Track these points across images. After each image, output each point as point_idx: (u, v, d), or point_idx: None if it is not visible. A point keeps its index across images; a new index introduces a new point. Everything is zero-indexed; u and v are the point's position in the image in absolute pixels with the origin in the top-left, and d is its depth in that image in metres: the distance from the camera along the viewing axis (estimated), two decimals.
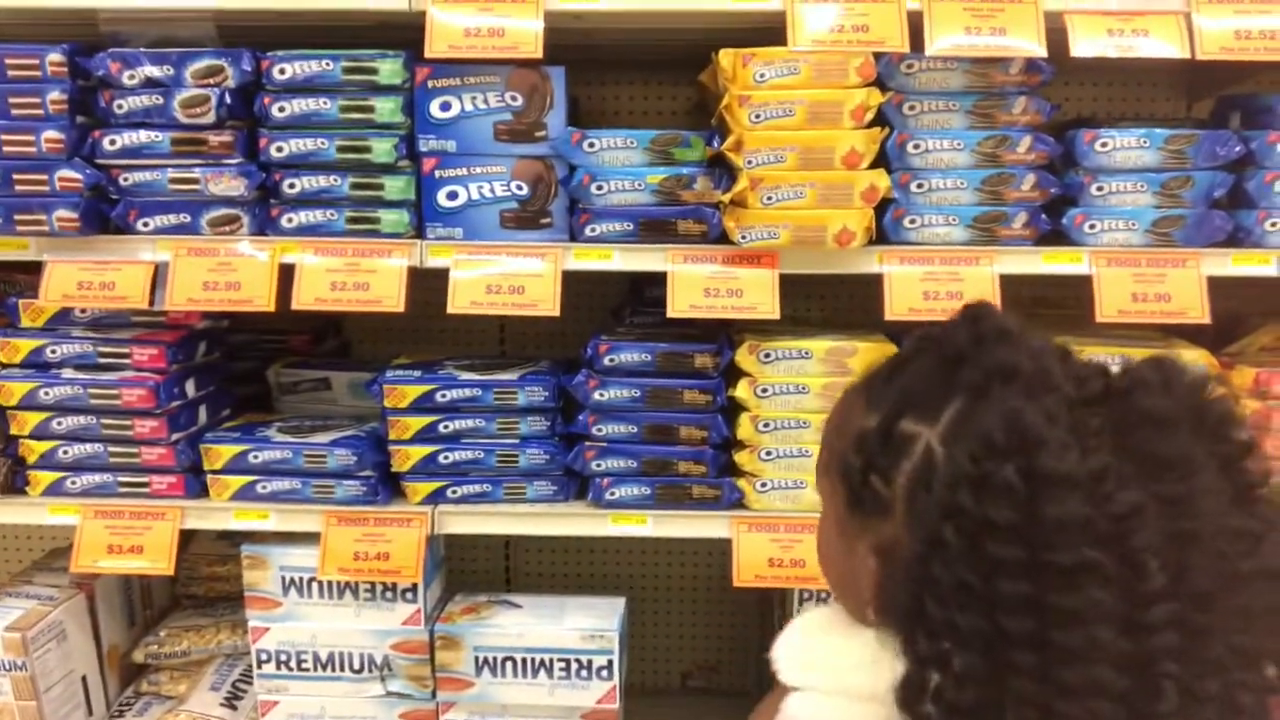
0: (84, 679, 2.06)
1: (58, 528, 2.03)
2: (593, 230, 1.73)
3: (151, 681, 2.15)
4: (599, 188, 1.71)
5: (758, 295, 1.69)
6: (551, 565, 2.45)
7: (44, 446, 1.89)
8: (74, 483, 1.90)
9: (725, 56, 1.60)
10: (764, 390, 1.77)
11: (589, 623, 1.89)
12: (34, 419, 1.87)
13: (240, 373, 2.16)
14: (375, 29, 1.72)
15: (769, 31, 1.62)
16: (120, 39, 1.74)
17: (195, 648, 2.14)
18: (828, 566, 0.98)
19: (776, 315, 1.68)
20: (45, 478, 1.91)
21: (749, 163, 1.62)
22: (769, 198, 1.63)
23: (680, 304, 1.70)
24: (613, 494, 1.84)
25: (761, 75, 1.60)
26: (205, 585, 2.29)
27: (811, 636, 0.98)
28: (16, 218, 1.74)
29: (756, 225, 1.65)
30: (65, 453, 1.89)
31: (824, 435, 0.97)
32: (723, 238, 1.73)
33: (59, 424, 1.87)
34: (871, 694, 0.81)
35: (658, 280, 1.73)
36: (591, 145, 1.71)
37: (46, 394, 1.85)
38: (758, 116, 1.61)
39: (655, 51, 1.98)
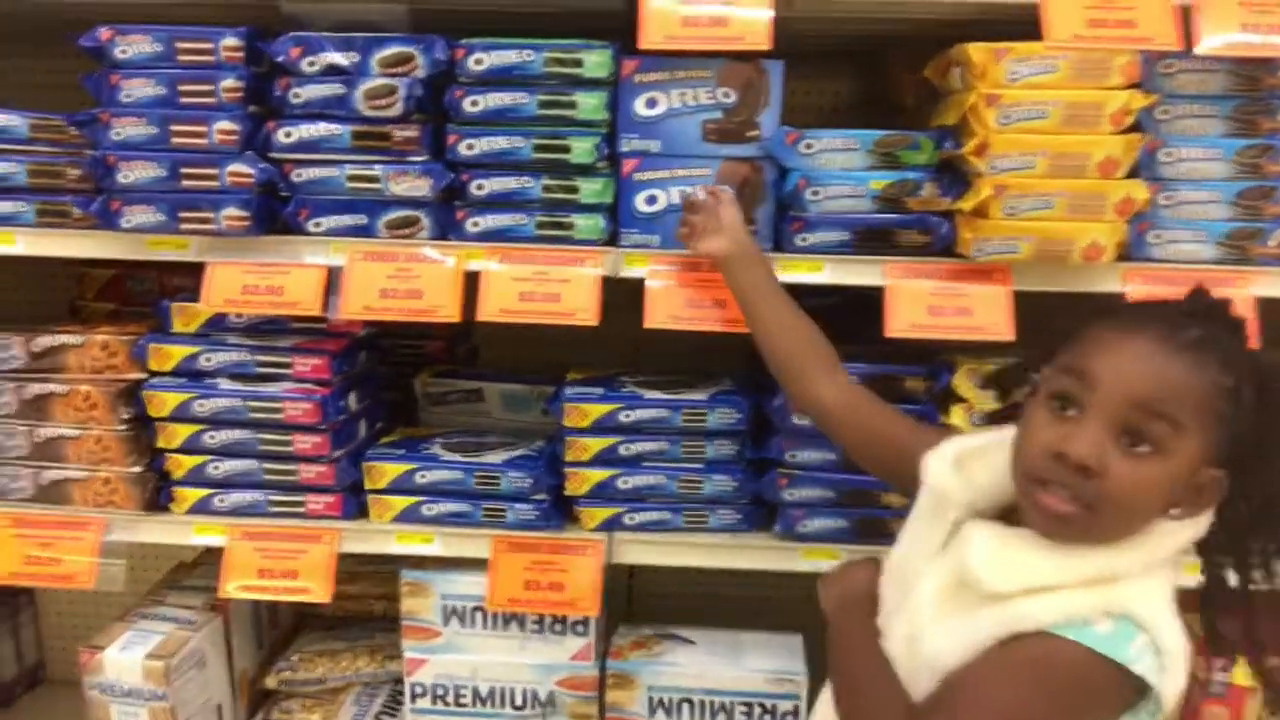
0: (219, 707, 1.94)
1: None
2: (804, 240, 1.59)
3: (283, 709, 2.02)
4: (815, 193, 1.57)
5: (989, 314, 1.55)
6: (669, 587, 2.28)
7: (193, 461, 1.77)
8: (222, 500, 1.78)
9: (977, 51, 1.45)
10: (982, 420, 1.63)
11: (774, 664, 1.75)
12: (185, 432, 1.75)
13: (385, 376, 2.03)
14: (578, 17, 1.59)
15: (984, 25, 1.49)
16: (301, 23, 1.62)
17: (331, 675, 2.01)
18: (1145, 512, 1.06)
19: (1011, 336, 1.54)
20: (191, 494, 1.78)
21: (993, 168, 1.48)
22: (1012, 208, 1.49)
23: (899, 323, 1.55)
24: (806, 526, 1.70)
25: (1015, 73, 1.46)
26: (332, 604, 2.15)
27: (1028, 552, 1.09)
28: (182, 215, 1.62)
29: (995, 237, 1.51)
30: (216, 468, 1.76)
31: (1180, 394, 1.02)
32: (946, 250, 1.59)
33: (211, 438, 1.75)
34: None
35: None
36: (809, 146, 1.57)
37: (200, 406, 1.73)
38: (1007, 118, 1.47)
39: (812, 43, 1.82)
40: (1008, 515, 1.17)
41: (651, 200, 1.62)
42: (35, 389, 1.76)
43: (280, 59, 1.59)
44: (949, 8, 1.52)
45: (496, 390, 1.99)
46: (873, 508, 1.69)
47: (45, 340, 1.76)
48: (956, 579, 1.13)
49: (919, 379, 1.65)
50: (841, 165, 1.58)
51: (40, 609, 2.45)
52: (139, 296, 2.07)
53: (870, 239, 1.59)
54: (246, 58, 1.60)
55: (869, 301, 1.61)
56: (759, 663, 1.76)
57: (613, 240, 1.64)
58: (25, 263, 1.71)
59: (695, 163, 1.61)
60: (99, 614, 2.20)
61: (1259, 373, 1.04)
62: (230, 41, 1.59)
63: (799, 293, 1.59)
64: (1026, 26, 1.45)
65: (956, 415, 1.64)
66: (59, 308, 2.10)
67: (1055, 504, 1.04)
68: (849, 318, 1.83)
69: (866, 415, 1.41)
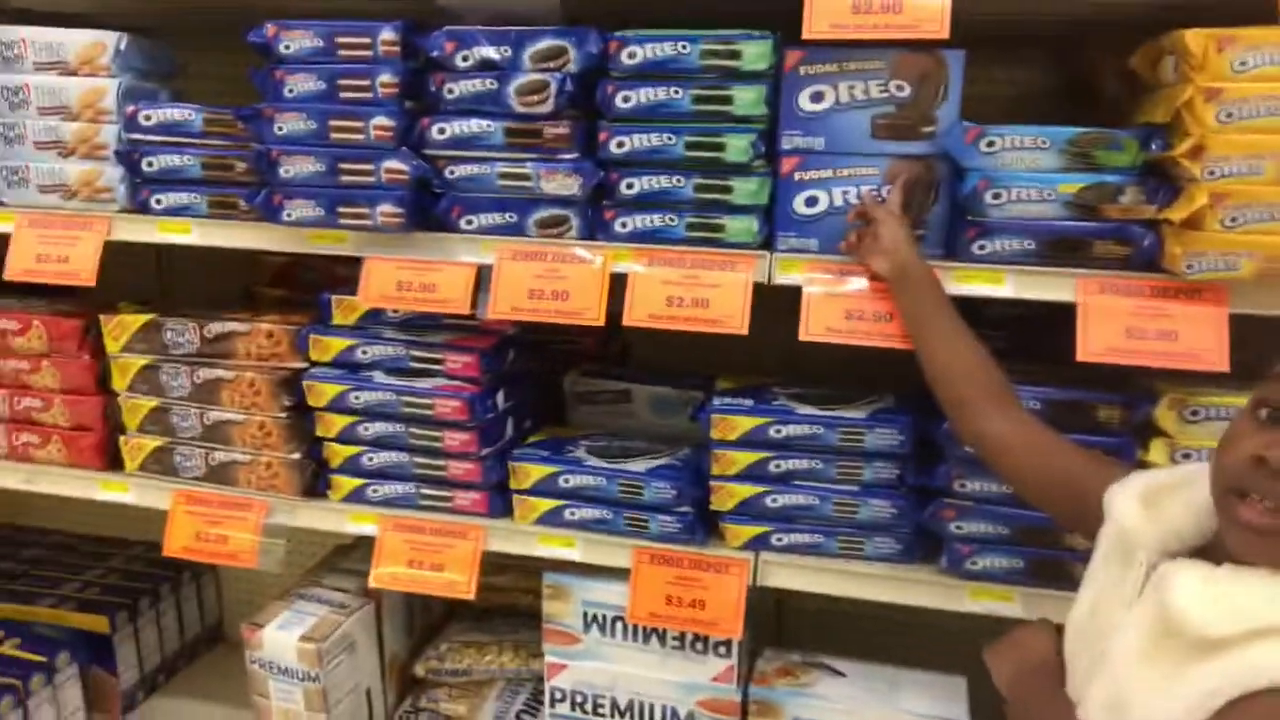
0: (368, 691, 1.98)
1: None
2: (982, 248, 1.43)
3: (430, 698, 2.04)
4: (996, 196, 1.41)
5: (1199, 339, 1.35)
6: (822, 608, 2.12)
7: (349, 451, 1.79)
8: (375, 490, 1.80)
9: (1196, 38, 1.25)
10: (1185, 457, 1.43)
11: (933, 708, 1.62)
12: (341, 422, 1.78)
13: (534, 374, 2.00)
14: (738, 6, 1.48)
15: (1202, 9, 1.28)
16: (455, 16, 1.59)
17: (476, 667, 2.02)
18: None
19: (1225, 366, 1.33)
20: (347, 483, 1.81)
21: (1210, 173, 1.28)
22: (1233, 219, 1.29)
23: (1094, 345, 1.38)
24: (975, 564, 1.54)
25: (1242, 63, 1.25)
26: (481, 595, 2.16)
27: (1244, 587, 0.95)
28: (340, 210, 1.63)
29: (1210, 252, 1.31)
30: (370, 459, 1.79)
31: None
32: (1149, 264, 1.39)
33: (366, 429, 1.77)
34: None
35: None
36: (991, 145, 1.41)
37: (356, 398, 1.75)
38: (1229, 115, 1.26)
39: (995, 28, 1.63)
40: (1204, 557, 1.02)
41: (812, 202, 1.50)
42: (206, 373, 1.83)
43: (435, 54, 1.56)
44: None
45: (645, 393, 1.92)
46: (1052, 548, 1.52)
47: (216, 327, 1.82)
48: (1162, 628, 0.98)
49: (1114, 408, 1.46)
50: (1028, 166, 1.41)
51: (221, 574, 2.59)
52: (309, 284, 2.12)
53: (1060, 249, 1.41)
54: (403, 52, 1.58)
55: (1056, 316, 1.44)
56: (917, 704, 1.63)
57: (767, 244, 1.54)
58: (204, 247, 1.77)
59: (862, 161, 1.48)
60: (276, 583, 2.30)
61: None
62: (387, 36, 1.57)
63: (977, 305, 1.45)
64: (1253, 11, 1.25)
65: (1157, 451, 1.44)
66: (236, 291, 2.19)
67: (1254, 516, 0.95)
68: (1033, 332, 1.67)
69: (1040, 451, 1.27)
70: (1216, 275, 1.32)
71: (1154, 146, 1.35)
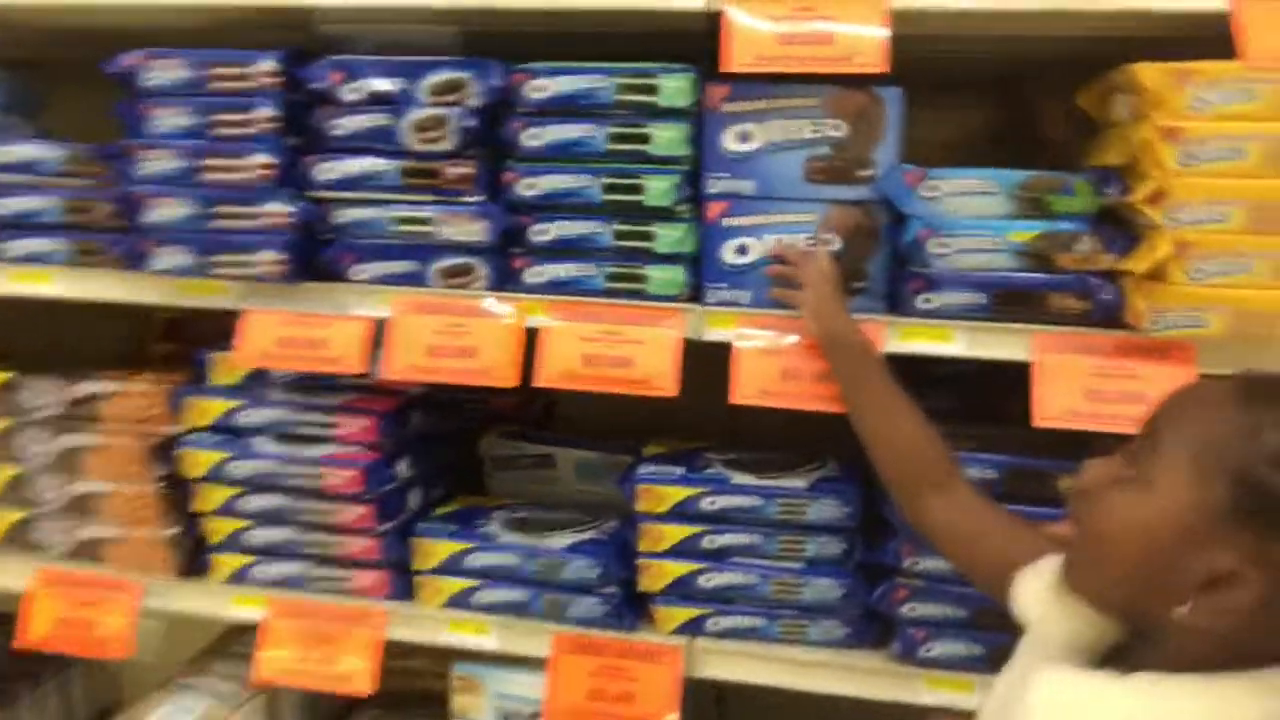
0: None
1: None
2: (928, 302, 1.30)
3: None
4: (942, 245, 1.28)
5: None
6: (767, 703, 1.96)
7: (230, 526, 1.60)
8: (261, 570, 1.61)
9: (1151, 74, 1.14)
10: None
11: None
12: (221, 494, 1.58)
13: (446, 436, 1.83)
14: (655, 38, 1.34)
15: (1152, 43, 1.19)
16: (341, 44, 1.42)
17: None
18: (1112, 553, 0.86)
19: None
20: (229, 562, 1.62)
21: (1174, 220, 1.16)
22: (1199, 270, 1.17)
23: (1051, 409, 1.25)
24: (930, 650, 1.40)
25: (1202, 101, 1.14)
26: (391, 680, 1.96)
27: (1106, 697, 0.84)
28: (215, 257, 1.44)
29: (1176, 307, 1.19)
30: (254, 536, 1.59)
31: (1186, 420, 0.84)
32: (1110, 319, 1.27)
33: (249, 502, 1.58)
34: None
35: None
36: (934, 189, 1.29)
37: (238, 467, 1.55)
38: (1192, 157, 1.15)
39: (937, 67, 1.51)
40: (1126, 659, 0.90)
41: (742, 250, 1.36)
42: (70, 439, 1.62)
43: (319, 85, 1.40)
44: (1111, 19, 1.21)
45: (570, 457, 1.76)
46: (1015, 633, 1.37)
47: (84, 387, 1.62)
48: None
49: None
50: (975, 212, 1.28)
51: (89, 664, 2.34)
52: (202, 338, 1.92)
53: (1013, 303, 1.28)
54: (284, 84, 1.41)
55: (1012, 373, 1.31)
56: None
57: (695, 297, 1.39)
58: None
59: (796, 206, 1.34)
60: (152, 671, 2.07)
61: None
62: (267, 66, 1.41)
63: (923, 365, 1.31)
64: (1206, 45, 1.14)
65: None
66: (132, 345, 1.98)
67: (1060, 528, 0.95)
68: (987, 390, 1.54)
69: (988, 534, 1.14)
70: (1184, 332, 1.20)
71: (1110, 191, 1.23)
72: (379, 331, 1.45)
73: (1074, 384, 1.25)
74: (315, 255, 1.46)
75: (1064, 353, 1.26)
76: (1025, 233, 1.27)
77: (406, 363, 1.41)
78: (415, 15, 1.37)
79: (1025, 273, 1.28)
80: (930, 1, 1.22)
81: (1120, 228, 1.25)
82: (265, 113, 1.41)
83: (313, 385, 1.58)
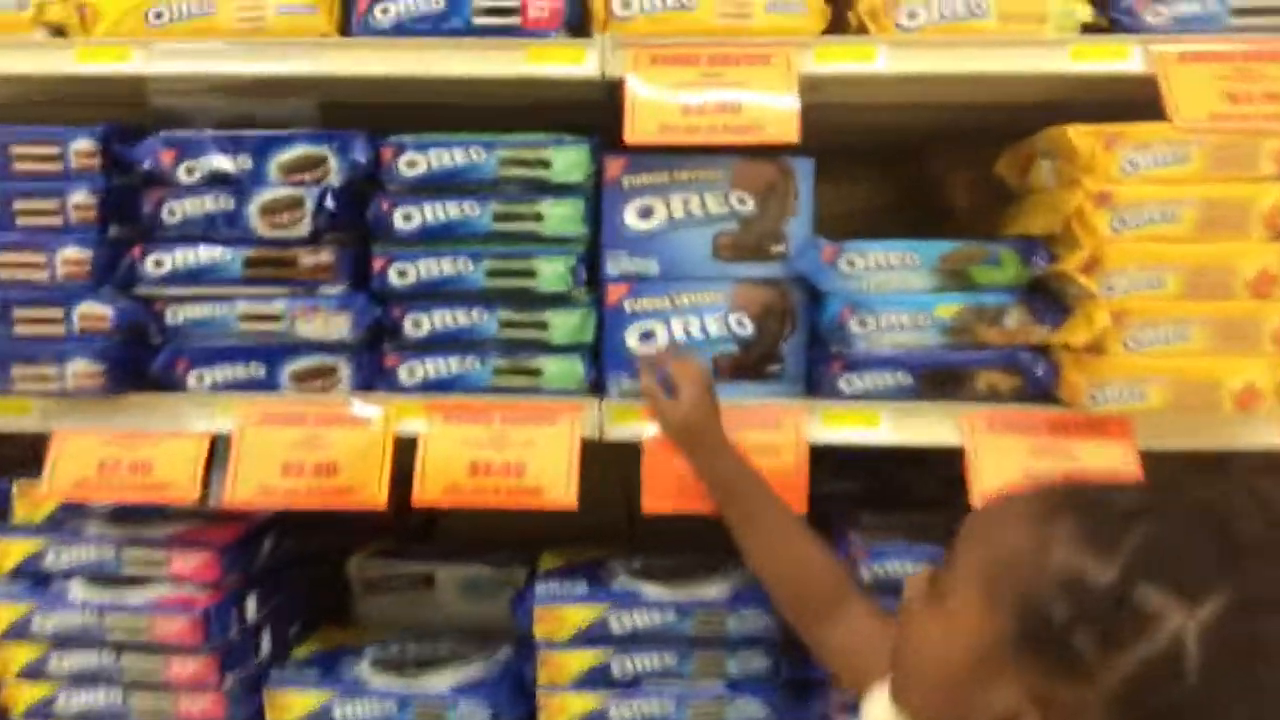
0: None
1: None
2: (850, 384, 1.19)
3: None
4: (863, 324, 1.18)
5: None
6: None
7: (38, 693, 1.31)
8: None
9: (1081, 136, 1.08)
10: None
11: None
12: (24, 654, 1.30)
13: (305, 559, 1.58)
14: (542, 109, 1.22)
15: (1061, 108, 1.15)
16: (178, 118, 1.23)
17: None
18: (917, 674, 0.79)
19: None
20: None
21: (1109, 289, 1.10)
22: (1136, 340, 1.10)
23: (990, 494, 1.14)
24: None
25: (1132, 163, 1.08)
26: None
27: None
28: (16, 371, 1.20)
29: (1114, 380, 1.11)
30: (67, 701, 1.31)
31: (979, 537, 0.76)
32: (1043, 395, 1.19)
33: (60, 662, 1.29)
34: None
35: None
36: (852, 264, 1.19)
37: (45, 620, 1.28)
38: (1123, 222, 1.09)
39: (833, 138, 1.45)
40: None
41: (647, 336, 1.22)
42: None
43: (148, 166, 1.19)
44: (1030, 83, 1.15)
45: (453, 576, 1.55)
46: None
47: None
48: None
49: None
50: (897, 287, 1.19)
51: None
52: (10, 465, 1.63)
53: (941, 383, 1.19)
54: (104, 165, 1.20)
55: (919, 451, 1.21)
56: None
57: (596, 389, 1.24)
58: None
59: (703, 285, 1.22)
60: None
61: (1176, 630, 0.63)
62: (83, 145, 1.20)
63: (845, 455, 1.20)
64: (1119, 108, 1.11)
65: None
66: None
67: None
68: (891, 470, 1.44)
69: (881, 652, 1.01)
70: (1124, 407, 1.12)
71: (1037, 260, 1.16)
72: (222, 449, 1.22)
73: (1011, 466, 1.15)
74: (142, 362, 1.23)
75: (997, 433, 1.17)
76: (950, 307, 1.18)
77: (256, 485, 1.19)
78: (269, 86, 1.19)
79: (952, 350, 1.19)
80: (843, 68, 1.13)
81: (1049, 299, 1.18)
82: (80, 198, 1.19)
83: (141, 514, 1.33)
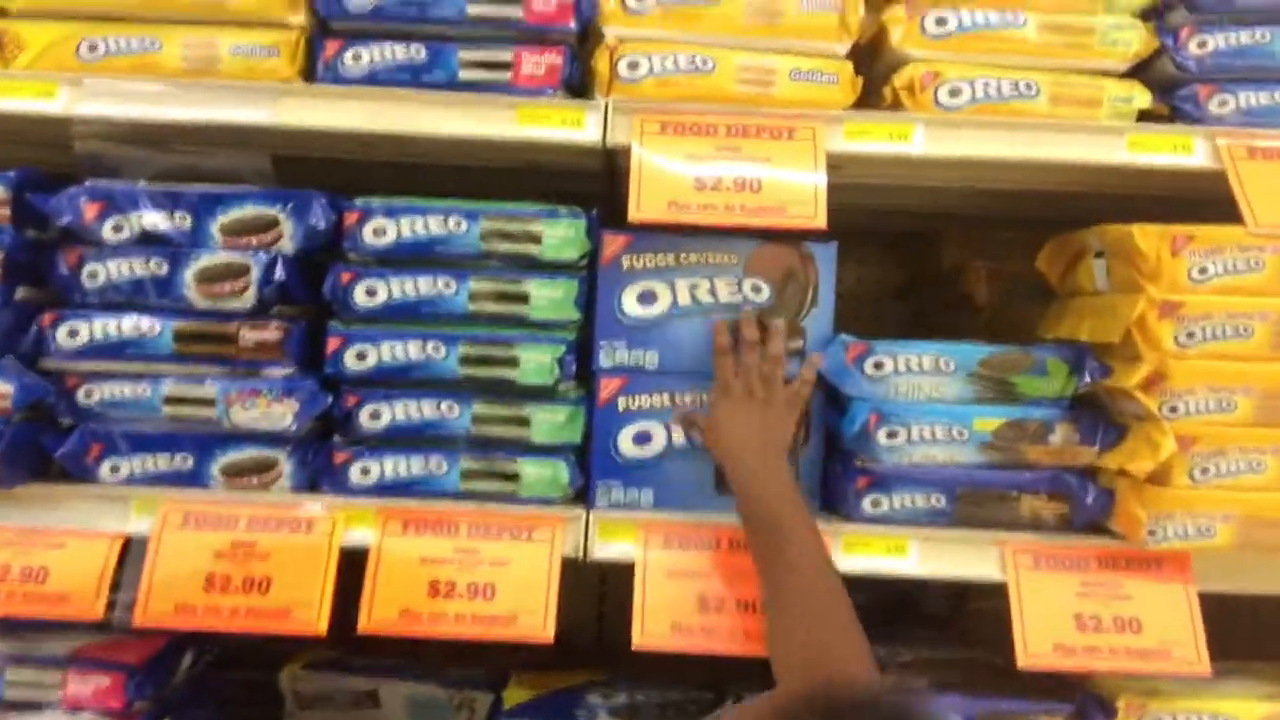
0: None
1: None
2: (877, 505, 1.04)
3: None
4: (892, 435, 1.03)
5: (1168, 629, 1.00)
6: None
7: None
8: None
9: (1146, 236, 0.96)
10: None
11: None
12: None
13: (230, 669, 1.37)
14: (533, 172, 1.07)
15: (1110, 199, 1.04)
16: (108, 167, 1.06)
17: None
18: None
19: (1206, 669, 0.98)
20: None
21: (1173, 410, 0.96)
22: (1204, 469, 0.97)
23: (1038, 642, 1.00)
24: None
25: (1202, 270, 0.96)
26: None
27: None
28: None
29: (1178, 514, 0.97)
30: None
31: None
32: (1093, 525, 1.05)
33: None
34: None
35: None
36: (880, 366, 1.04)
37: None
38: (1191, 336, 0.96)
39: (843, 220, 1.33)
40: None
41: (643, 439, 1.06)
42: None
43: (67, 220, 1.02)
44: (1081, 174, 1.03)
45: (399, 693, 1.35)
46: None
47: None
48: None
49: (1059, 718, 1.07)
50: (931, 395, 1.05)
51: None
52: None
53: (978, 506, 1.04)
54: (15, 216, 1.02)
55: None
56: None
57: (581, 498, 1.07)
58: None
59: (708, 383, 1.06)
60: None
61: None
62: None
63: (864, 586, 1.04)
64: (1172, 204, 0.99)
65: None
66: None
67: None
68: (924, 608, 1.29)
69: None
70: (1187, 544, 0.98)
71: (1089, 373, 1.02)
72: (135, 555, 1.03)
73: (1060, 610, 1.01)
74: (46, 448, 1.04)
75: (1043, 570, 1.02)
76: (990, 420, 1.04)
77: (170, 604, 1.01)
78: (218, 136, 1.03)
79: (992, 469, 1.04)
80: (876, 147, 1.00)
81: (1098, 415, 1.04)
82: None
83: (35, 627, 1.12)
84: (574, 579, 1.03)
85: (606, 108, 0.99)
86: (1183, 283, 0.96)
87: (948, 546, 1.03)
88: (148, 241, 1.03)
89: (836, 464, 1.07)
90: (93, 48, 1.02)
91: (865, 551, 1.04)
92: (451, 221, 1.02)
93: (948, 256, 1.36)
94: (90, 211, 1.03)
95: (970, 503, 1.04)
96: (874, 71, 1.05)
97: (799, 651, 0.90)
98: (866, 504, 1.04)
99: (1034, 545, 1.03)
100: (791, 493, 0.95)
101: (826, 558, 0.94)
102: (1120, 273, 1.00)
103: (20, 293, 1.04)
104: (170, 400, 1.04)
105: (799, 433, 1.07)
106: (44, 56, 1.03)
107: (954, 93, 1.00)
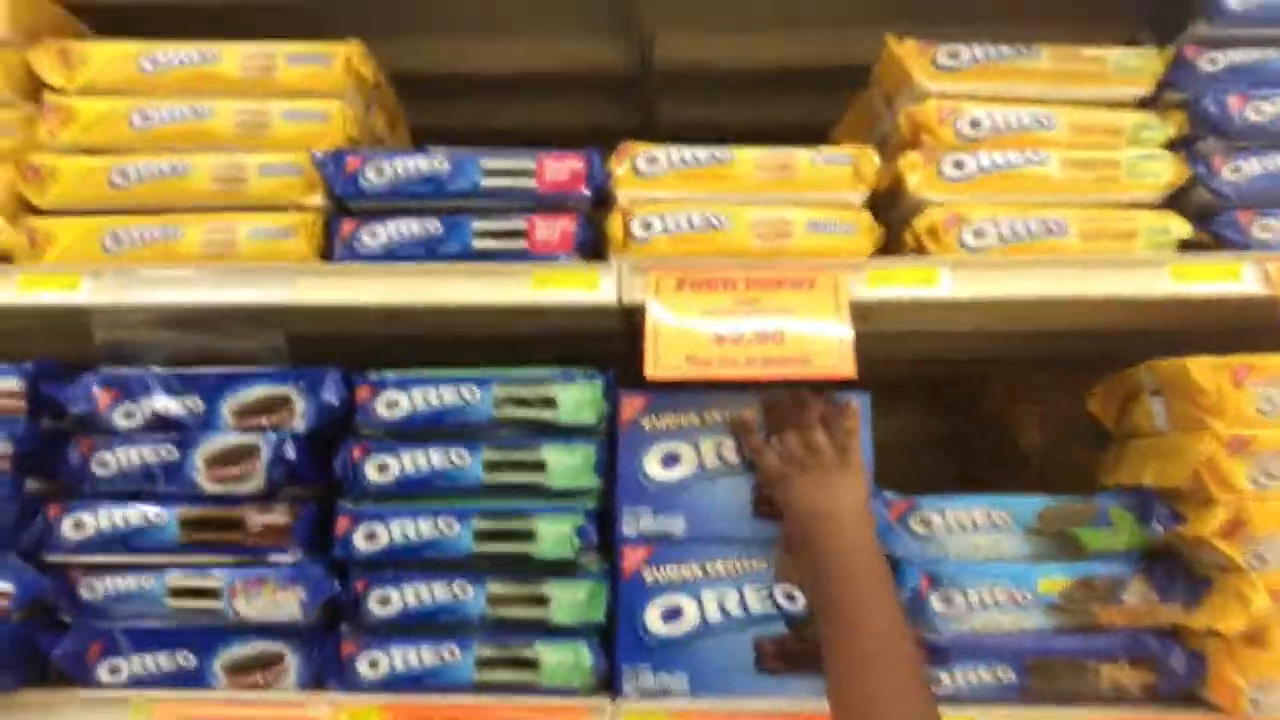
0: None
1: None
2: (937, 685, 0.93)
3: None
4: (947, 600, 0.93)
5: None
6: None
7: None
8: None
9: (1202, 370, 0.89)
10: None
11: None
12: None
13: None
14: (550, 342, 1.05)
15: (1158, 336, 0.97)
16: (125, 354, 1.05)
17: None
18: None
19: None
20: None
21: (1259, 559, 0.86)
22: None
23: None
24: None
25: (1270, 401, 0.88)
26: None
27: None
28: None
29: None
30: None
31: None
32: (1185, 694, 0.92)
33: None
34: None
35: None
36: (927, 523, 0.96)
37: None
38: (1269, 475, 0.87)
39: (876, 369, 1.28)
40: None
41: (673, 615, 0.97)
42: None
43: (81, 409, 1.00)
44: (1129, 308, 0.98)
45: None
46: None
47: None
48: None
49: None
50: (987, 554, 0.96)
51: None
52: None
53: (1052, 678, 0.93)
54: (30, 408, 1.01)
55: None
56: None
57: (606, 686, 0.97)
58: None
59: (742, 550, 0.98)
60: None
61: None
62: (9, 384, 1.02)
63: None
64: (1220, 335, 0.93)
65: None
66: None
67: None
68: None
69: None
70: None
71: (1158, 521, 0.93)
72: None
73: None
74: (44, 651, 0.98)
75: None
76: (1055, 580, 0.94)
77: None
78: (236, 319, 1.03)
79: (1062, 634, 0.93)
80: (901, 292, 0.96)
81: (1176, 567, 0.94)
82: None
83: None
84: None
85: (620, 268, 0.97)
86: (1250, 416, 0.88)
87: None
88: (159, 427, 1.01)
89: None
90: (116, 239, 1.04)
91: None
92: (465, 390, 0.98)
93: (992, 401, 1.29)
94: (103, 399, 1.01)
95: (1042, 675, 0.93)
96: (893, 217, 1.02)
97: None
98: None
99: None
100: (878, 552, 0.86)
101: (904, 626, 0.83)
102: (1180, 410, 0.93)
103: (32, 485, 1.02)
104: (175, 592, 0.99)
105: None
106: (71, 250, 1.04)
107: (979, 234, 0.97)
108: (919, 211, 0.99)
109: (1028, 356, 1.21)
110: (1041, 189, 0.98)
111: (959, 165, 0.98)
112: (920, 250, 0.99)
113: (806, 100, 1.32)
